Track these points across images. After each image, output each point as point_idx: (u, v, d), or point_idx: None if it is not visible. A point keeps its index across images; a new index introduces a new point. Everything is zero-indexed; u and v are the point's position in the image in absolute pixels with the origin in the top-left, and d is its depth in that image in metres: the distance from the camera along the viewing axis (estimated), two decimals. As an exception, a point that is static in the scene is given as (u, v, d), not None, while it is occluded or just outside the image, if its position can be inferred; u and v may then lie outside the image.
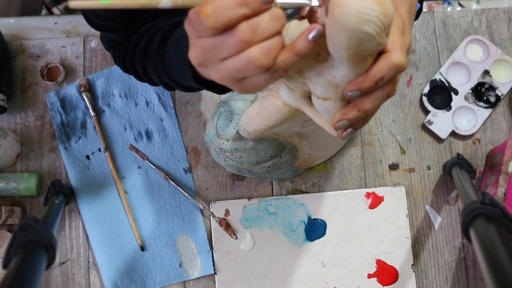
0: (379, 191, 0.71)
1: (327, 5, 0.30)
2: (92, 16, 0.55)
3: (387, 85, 0.34)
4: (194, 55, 0.32)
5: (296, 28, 0.37)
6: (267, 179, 0.72)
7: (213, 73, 0.33)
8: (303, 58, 0.32)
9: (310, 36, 0.30)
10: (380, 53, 0.33)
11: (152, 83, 0.57)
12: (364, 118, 0.35)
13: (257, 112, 0.50)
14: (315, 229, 0.70)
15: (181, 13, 0.59)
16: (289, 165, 0.66)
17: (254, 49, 0.29)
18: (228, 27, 0.29)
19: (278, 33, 0.30)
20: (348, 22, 0.28)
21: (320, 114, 0.43)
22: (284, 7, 0.31)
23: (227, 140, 0.61)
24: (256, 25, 0.29)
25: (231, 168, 0.66)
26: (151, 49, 0.52)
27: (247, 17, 0.29)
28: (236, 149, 0.61)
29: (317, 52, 0.35)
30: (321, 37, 0.31)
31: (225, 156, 0.63)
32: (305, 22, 0.35)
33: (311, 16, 0.32)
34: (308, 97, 0.43)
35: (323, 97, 0.37)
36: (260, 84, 0.32)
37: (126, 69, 0.59)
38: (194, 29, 0.30)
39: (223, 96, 0.74)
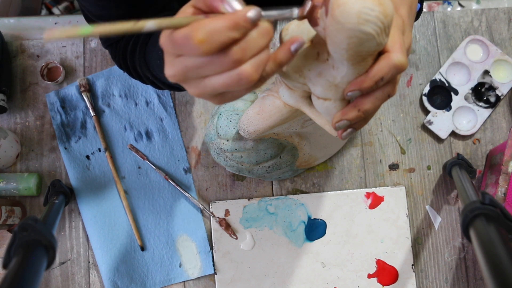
0: (379, 191, 0.71)
1: (327, 5, 0.30)
2: (91, 16, 0.55)
3: (387, 85, 0.34)
4: (171, 73, 0.31)
5: (296, 28, 0.37)
6: (267, 179, 0.72)
7: (192, 89, 0.32)
8: (282, 67, 0.32)
9: (293, 48, 0.31)
10: (380, 53, 0.33)
11: (143, 81, 0.58)
12: (364, 118, 0.35)
13: (257, 112, 0.50)
14: (315, 229, 0.70)
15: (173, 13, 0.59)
16: (289, 165, 0.66)
17: (245, 67, 0.29)
18: (219, 50, 0.29)
19: (266, 46, 0.31)
20: (348, 22, 0.28)
21: (320, 114, 0.43)
22: (270, 20, 0.31)
23: (227, 140, 0.61)
24: (246, 45, 0.29)
25: (231, 168, 0.66)
26: (138, 47, 0.52)
27: (237, 39, 0.29)
28: (236, 149, 0.61)
29: (317, 52, 0.35)
30: (302, 47, 0.31)
31: (225, 156, 0.63)
32: (305, 22, 0.35)
33: (311, 16, 0.32)
34: (308, 97, 0.43)
35: (323, 97, 0.37)
36: (241, 95, 0.32)
37: (121, 67, 0.60)
38: (180, 50, 0.29)
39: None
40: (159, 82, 0.51)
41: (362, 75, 0.33)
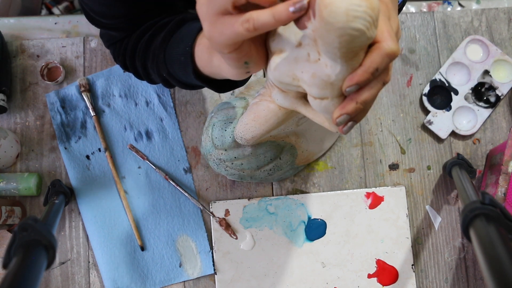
0: (379, 191, 0.71)
1: (313, 7, 0.30)
2: (94, 14, 0.54)
3: (381, 73, 0.34)
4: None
5: (283, 32, 0.37)
6: (269, 181, 0.72)
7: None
8: (277, 25, 0.31)
9: (291, 8, 0.30)
10: (371, 44, 0.33)
11: (150, 80, 0.57)
12: (363, 109, 0.35)
13: (253, 118, 0.50)
14: (315, 229, 0.70)
15: (185, 11, 0.59)
16: (290, 164, 0.66)
17: None
18: None
19: None
20: (338, 21, 0.28)
21: (317, 112, 0.42)
22: None
23: (225, 150, 0.61)
24: None
25: (233, 176, 0.66)
26: (155, 43, 0.52)
27: None
28: (235, 157, 0.61)
29: (308, 53, 0.35)
30: (302, 11, 0.30)
31: (225, 166, 0.63)
32: (292, 25, 0.35)
33: (297, 19, 0.32)
34: (302, 97, 0.43)
35: (319, 97, 0.36)
36: (228, 26, 0.32)
37: (125, 67, 0.59)
38: None
39: (223, 96, 0.74)
40: (173, 79, 0.51)
41: (356, 69, 0.33)
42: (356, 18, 0.28)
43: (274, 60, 0.37)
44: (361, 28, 0.29)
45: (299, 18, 0.31)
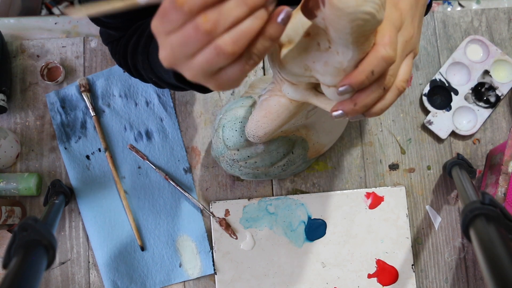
0: (379, 191, 0.71)
1: None
2: None
3: (382, 78, 0.34)
4: (163, 55, 0.31)
5: (289, 24, 0.37)
6: (283, 177, 0.71)
7: (186, 72, 0.32)
8: (276, 42, 0.31)
9: (279, 18, 0.30)
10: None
11: (144, 80, 0.57)
12: (365, 112, 0.36)
13: (264, 115, 0.50)
14: (315, 229, 0.70)
15: None
16: (302, 158, 0.66)
17: (222, 38, 0.28)
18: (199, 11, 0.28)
19: (247, 17, 0.29)
20: (348, 6, 0.28)
21: (330, 102, 0.42)
22: None
23: (238, 150, 0.60)
24: (217, 14, 0.28)
25: (247, 175, 0.65)
26: (140, 46, 0.52)
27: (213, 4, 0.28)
28: (248, 156, 0.61)
29: (317, 43, 0.35)
30: (289, 18, 0.30)
31: (239, 166, 0.63)
32: (297, 16, 0.35)
33: (306, 8, 0.32)
34: (313, 87, 0.43)
35: (334, 84, 0.36)
36: (235, 75, 0.31)
37: (121, 65, 0.60)
38: (167, 21, 0.29)
39: (223, 96, 0.74)
40: (162, 82, 0.51)
41: (353, 71, 0.33)
42: (365, 1, 0.28)
43: (284, 53, 0.37)
44: (371, 11, 0.29)
45: (309, 8, 0.31)
